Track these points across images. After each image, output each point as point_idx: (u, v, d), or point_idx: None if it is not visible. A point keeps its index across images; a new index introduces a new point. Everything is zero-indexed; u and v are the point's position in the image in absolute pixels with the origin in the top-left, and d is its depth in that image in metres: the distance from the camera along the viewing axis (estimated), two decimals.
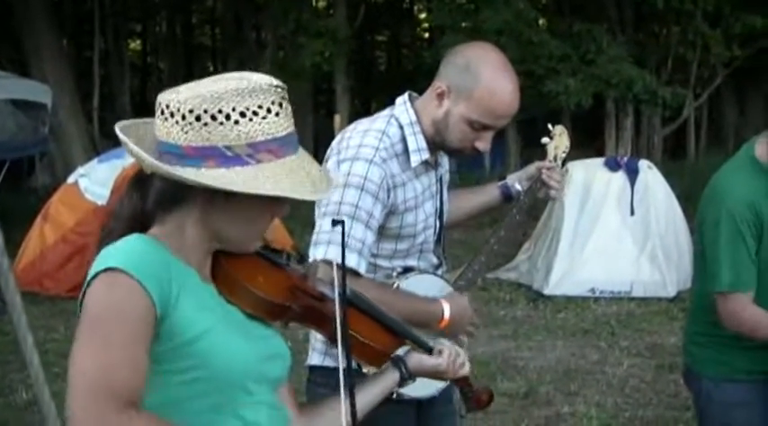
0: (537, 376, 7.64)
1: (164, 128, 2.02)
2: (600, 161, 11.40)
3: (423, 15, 31.78)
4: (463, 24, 18.34)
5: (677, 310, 9.42)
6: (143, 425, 1.90)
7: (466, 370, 2.65)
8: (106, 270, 1.95)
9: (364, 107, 27.15)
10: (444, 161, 3.45)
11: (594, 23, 18.25)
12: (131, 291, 1.93)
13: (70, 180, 11.36)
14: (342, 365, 2.17)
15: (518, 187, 3.58)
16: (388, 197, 3.11)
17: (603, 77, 16.71)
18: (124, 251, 2.00)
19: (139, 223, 2.12)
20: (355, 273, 3.00)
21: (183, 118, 1.98)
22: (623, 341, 8.69)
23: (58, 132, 17.12)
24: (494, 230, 3.49)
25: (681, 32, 19.81)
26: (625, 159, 11.44)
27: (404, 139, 3.18)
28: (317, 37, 19.61)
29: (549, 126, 3.64)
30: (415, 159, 3.18)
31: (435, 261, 3.37)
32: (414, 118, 3.20)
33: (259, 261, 2.22)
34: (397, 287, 3.17)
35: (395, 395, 2.96)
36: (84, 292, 1.97)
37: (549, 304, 10.08)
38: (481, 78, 3.07)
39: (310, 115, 23.76)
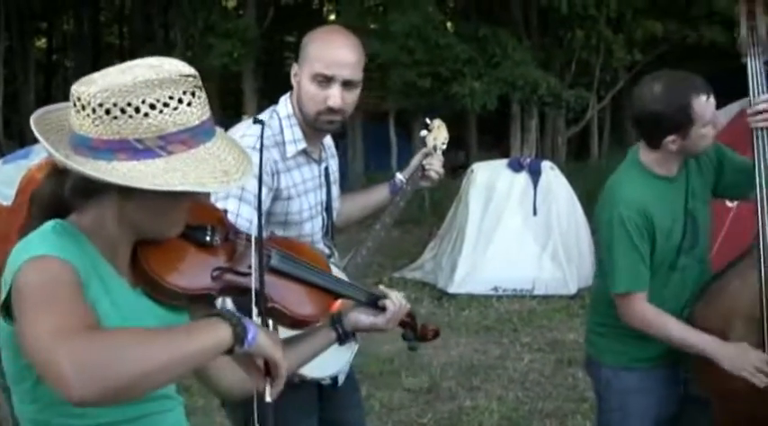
0: (440, 371, 7.75)
1: (77, 120, 2.01)
2: (503, 162, 11.54)
3: (332, 17, 31.77)
4: (372, 26, 18.45)
5: (577, 307, 9.64)
6: (108, 335, 1.87)
7: (405, 315, 2.77)
8: (31, 258, 1.94)
9: None
10: (333, 162, 3.66)
11: (500, 27, 18.48)
12: (62, 265, 1.93)
13: None
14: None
15: (401, 177, 3.83)
16: (273, 180, 3.27)
17: (509, 80, 16.96)
18: (43, 238, 2.00)
19: (60, 209, 2.12)
20: None
21: (94, 111, 1.96)
22: (525, 337, 8.85)
23: None
24: (380, 217, 3.68)
25: (584, 37, 20.06)
26: (528, 160, 11.61)
27: (282, 131, 3.36)
28: (226, 37, 19.54)
29: (427, 120, 3.94)
30: (291, 149, 3.36)
31: (326, 251, 3.51)
32: (291, 111, 3.40)
33: (181, 244, 2.22)
34: None
35: (296, 379, 3.09)
36: (12, 282, 1.93)
37: (453, 302, 10.21)
38: (313, 40, 3.33)
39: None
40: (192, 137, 2.03)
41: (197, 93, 2.04)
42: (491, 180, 11.04)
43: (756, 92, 3.61)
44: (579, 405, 6.75)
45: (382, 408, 6.85)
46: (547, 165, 11.30)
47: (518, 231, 10.76)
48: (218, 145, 2.09)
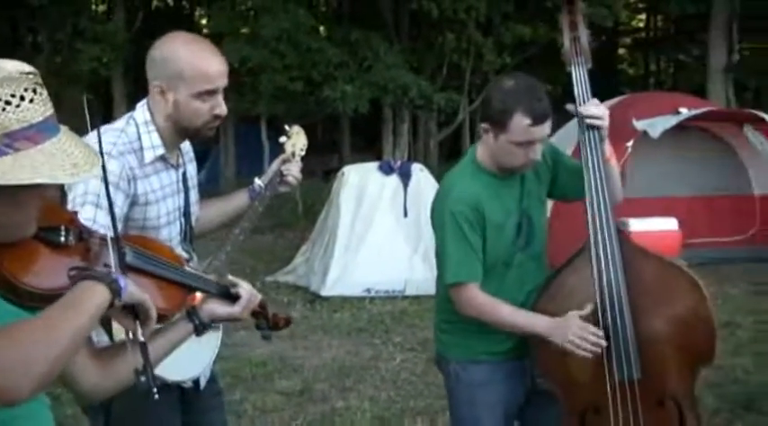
0: (313, 374, 7.80)
1: None
2: (374, 165, 11.62)
3: (203, 21, 31.54)
4: (243, 30, 18.40)
5: None
6: (8, 333, 1.93)
7: (257, 306, 2.84)
8: None
9: None
10: (191, 167, 3.67)
11: (372, 31, 18.62)
12: None
13: None
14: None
15: (260, 183, 3.87)
16: (129, 186, 3.28)
17: (380, 84, 17.09)
18: None
19: None
20: None
21: None
22: (396, 337, 8.95)
23: None
24: (239, 222, 3.73)
25: (455, 40, 20.38)
26: (398, 163, 11.71)
27: (140, 137, 3.37)
28: (95, 42, 19.29)
29: (286, 126, 4.01)
30: (149, 155, 3.36)
31: (185, 255, 3.53)
32: (148, 118, 3.39)
33: (35, 246, 2.21)
34: None
35: (158, 383, 3.11)
36: None
37: (325, 304, 10.26)
38: (181, 58, 3.30)
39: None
40: (38, 132, 2.05)
41: (38, 90, 2.06)
42: (362, 182, 11.12)
43: (582, 97, 3.78)
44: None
45: (255, 411, 6.86)
46: (417, 168, 11.43)
47: (389, 233, 10.86)
48: (63, 140, 2.11)
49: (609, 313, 3.62)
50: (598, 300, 3.63)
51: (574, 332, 3.56)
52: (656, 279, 3.73)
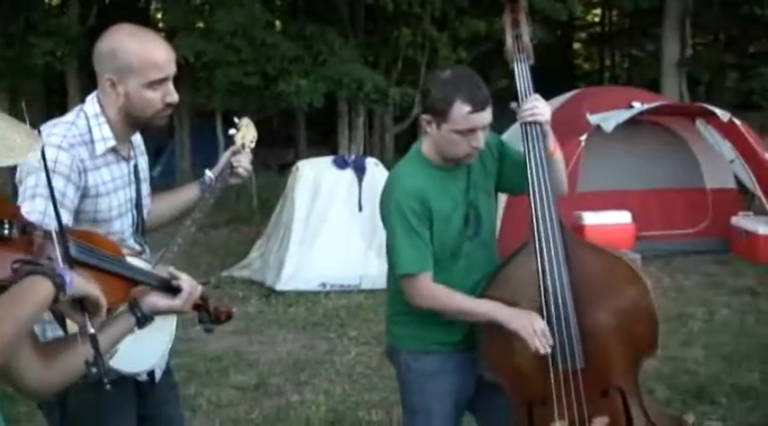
0: (268, 368, 7.81)
1: None
2: (329, 159, 11.61)
3: (159, 15, 31.36)
4: (198, 25, 18.33)
5: None
6: None
7: (198, 299, 2.89)
8: None
9: None
10: (142, 160, 3.69)
11: (327, 26, 18.61)
12: None
13: None
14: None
15: (211, 175, 3.89)
16: (80, 178, 3.30)
17: (335, 78, 17.10)
18: None
19: None
20: None
21: None
22: (352, 331, 8.96)
23: None
24: (190, 213, 3.74)
25: (411, 35, 20.43)
26: (353, 157, 11.72)
27: (90, 130, 3.38)
28: (48, 36, 19.14)
29: (236, 119, 4.05)
30: (100, 147, 3.38)
31: (137, 248, 3.55)
32: (98, 110, 3.40)
33: None
34: None
35: (113, 375, 3.13)
36: None
37: (281, 299, 10.25)
38: (129, 50, 3.32)
39: (44, 115, 23.06)
40: None
41: None
42: (317, 177, 11.12)
43: (524, 93, 3.85)
44: None
45: (210, 406, 6.86)
46: (371, 162, 11.43)
47: (344, 227, 10.86)
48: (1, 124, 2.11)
49: (552, 304, 3.69)
50: (542, 292, 3.70)
51: (536, 325, 3.64)
52: (599, 271, 3.80)
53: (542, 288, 3.70)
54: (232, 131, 3.97)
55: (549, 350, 3.65)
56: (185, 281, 2.83)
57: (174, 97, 3.41)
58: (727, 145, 11.94)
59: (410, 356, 3.99)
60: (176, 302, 2.80)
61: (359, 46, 19.43)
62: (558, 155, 3.93)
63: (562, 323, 3.69)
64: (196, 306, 2.97)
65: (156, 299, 2.76)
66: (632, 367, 3.82)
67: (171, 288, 2.82)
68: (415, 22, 19.85)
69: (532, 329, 3.63)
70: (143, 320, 2.70)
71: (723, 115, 11.23)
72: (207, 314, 3.10)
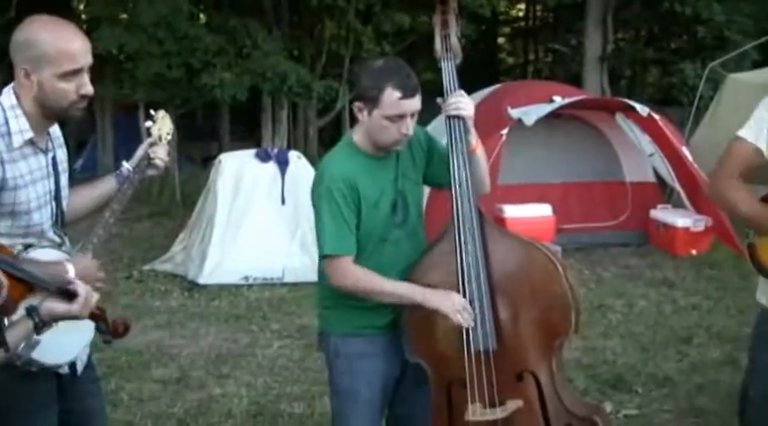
0: (190, 362, 7.80)
1: None
2: (251, 152, 11.59)
3: (81, 6, 30.97)
4: (120, 16, 18.12)
5: None
6: None
7: (96, 309, 2.93)
8: None
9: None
10: (60, 152, 3.67)
11: (251, 18, 18.51)
12: None
13: None
14: None
15: (128, 167, 3.91)
16: None
17: (259, 71, 17.00)
18: None
19: None
20: None
21: None
22: (274, 324, 8.98)
23: None
24: (109, 205, 3.75)
25: (335, 28, 20.42)
26: (276, 150, 11.74)
27: (7, 122, 3.36)
28: None
29: (152, 111, 4.09)
30: (17, 139, 3.37)
31: (57, 239, 3.56)
32: (15, 102, 3.39)
33: None
34: (18, 255, 3.26)
35: (34, 368, 3.15)
36: None
37: (203, 293, 10.21)
38: (43, 40, 3.32)
39: None
40: None
41: None
42: (239, 170, 11.10)
43: (450, 88, 4.01)
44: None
45: (131, 400, 6.83)
46: (294, 155, 11.44)
47: (267, 220, 10.85)
48: None
49: (466, 284, 3.83)
50: (459, 274, 3.84)
51: (455, 301, 3.79)
52: (514, 256, 3.96)
53: (459, 271, 3.84)
54: (149, 123, 3.99)
55: (471, 324, 3.80)
56: (81, 286, 2.85)
57: (88, 89, 3.41)
58: (647, 139, 12.15)
59: (339, 339, 4.10)
60: (74, 307, 2.82)
61: (283, 39, 19.32)
62: (480, 151, 4.08)
63: (476, 304, 3.82)
64: (95, 316, 3.02)
65: (54, 304, 2.78)
66: (547, 351, 3.93)
67: (68, 293, 2.83)
68: (340, 16, 19.83)
69: (452, 305, 3.77)
70: (41, 325, 2.72)
71: (642, 110, 11.41)
72: (105, 324, 3.17)
